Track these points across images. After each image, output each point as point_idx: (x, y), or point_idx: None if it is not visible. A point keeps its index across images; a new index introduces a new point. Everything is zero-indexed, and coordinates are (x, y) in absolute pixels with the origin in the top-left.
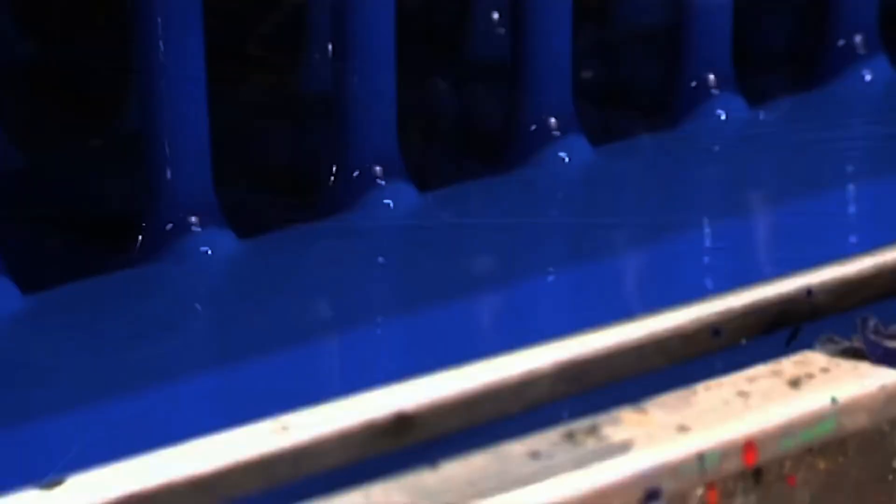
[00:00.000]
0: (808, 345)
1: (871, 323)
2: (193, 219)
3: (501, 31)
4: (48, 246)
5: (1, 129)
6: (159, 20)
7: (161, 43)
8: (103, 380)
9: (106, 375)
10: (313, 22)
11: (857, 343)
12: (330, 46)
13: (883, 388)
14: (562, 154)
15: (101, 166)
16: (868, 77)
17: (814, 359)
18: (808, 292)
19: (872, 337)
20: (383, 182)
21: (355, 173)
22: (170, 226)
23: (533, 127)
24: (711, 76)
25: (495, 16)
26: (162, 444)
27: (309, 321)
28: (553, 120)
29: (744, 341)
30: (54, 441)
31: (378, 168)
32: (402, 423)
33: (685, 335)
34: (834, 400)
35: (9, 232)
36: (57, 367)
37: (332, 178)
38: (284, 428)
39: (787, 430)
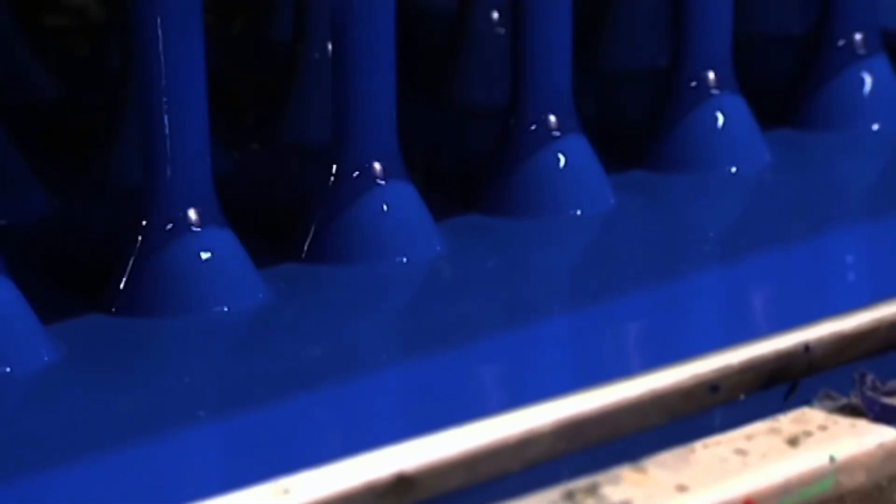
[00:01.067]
0: (806, 399)
1: (869, 379)
2: (193, 218)
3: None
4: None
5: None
6: (159, 20)
7: (161, 43)
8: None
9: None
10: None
11: (854, 399)
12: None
13: (881, 446)
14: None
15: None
16: (868, 77)
17: (812, 416)
18: (806, 348)
19: (870, 393)
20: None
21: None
22: (170, 226)
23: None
24: (711, 76)
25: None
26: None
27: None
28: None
29: (742, 396)
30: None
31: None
32: (402, 484)
33: (683, 392)
34: (832, 458)
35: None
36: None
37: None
38: (286, 491)
39: (785, 489)
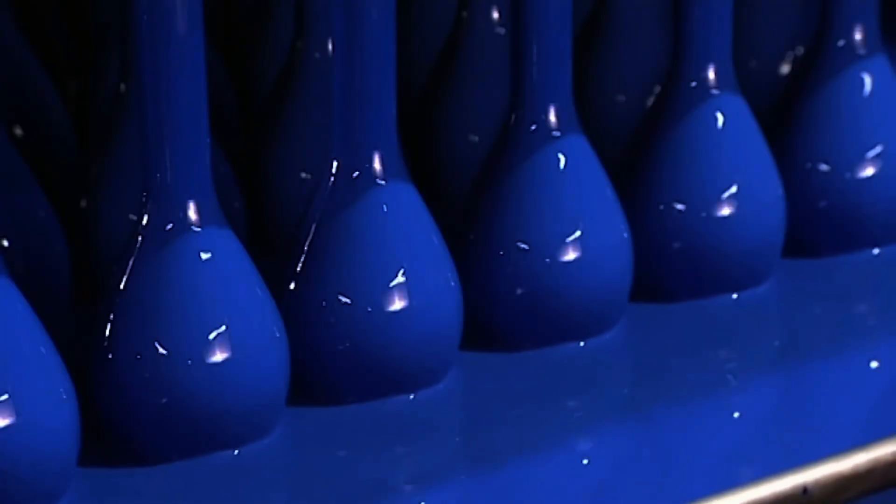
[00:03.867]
0: None
1: None
2: (193, 218)
3: None
4: None
5: None
6: (159, 21)
7: (162, 43)
8: None
9: None
10: None
11: None
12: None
13: None
14: None
15: None
16: (868, 77)
17: None
18: (804, 490)
19: None
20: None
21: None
22: (170, 226)
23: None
24: (711, 76)
25: None
26: None
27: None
28: None
29: None
30: None
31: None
32: None
33: None
34: None
35: None
36: None
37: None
38: None
39: None
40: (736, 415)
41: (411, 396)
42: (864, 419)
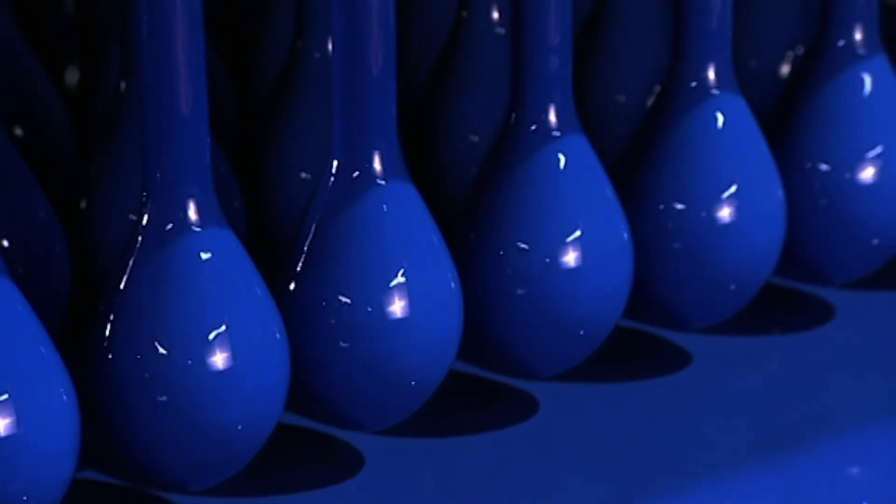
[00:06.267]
0: None
1: None
2: (193, 218)
3: None
4: None
5: None
6: (159, 20)
7: (162, 42)
8: None
9: None
10: None
11: None
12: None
13: None
14: None
15: None
16: (868, 77)
17: None
18: None
19: None
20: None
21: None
22: (170, 226)
23: None
24: (711, 76)
25: None
26: None
27: None
28: None
29: None
30: None
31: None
32: None
33: None
34: None
35: None
36: None
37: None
38: None
39: None
40: None
41: None
42: None
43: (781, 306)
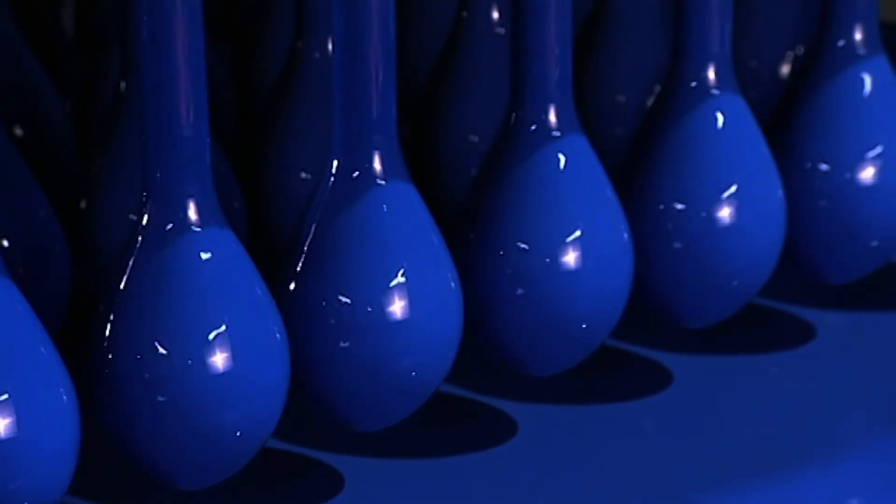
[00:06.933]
0: None
1: None
2: (193, 218)
3: None
4: None
5: None
6: (159, 20)
7: (162, 42)
8: None
9: None
10: None
11: None
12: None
13: None
14: None
15: None
16: (868, 77)
17: None
18: None
19: None
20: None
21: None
22: (170, 226)
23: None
24: (711, 76)
25: None
26: None
27: None
28: None
29: None
30: None
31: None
32: None
33: None
34: None
35: None
36: None
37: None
38: None
39: None
40: None
41: None
42: None
43: (763, 326)
